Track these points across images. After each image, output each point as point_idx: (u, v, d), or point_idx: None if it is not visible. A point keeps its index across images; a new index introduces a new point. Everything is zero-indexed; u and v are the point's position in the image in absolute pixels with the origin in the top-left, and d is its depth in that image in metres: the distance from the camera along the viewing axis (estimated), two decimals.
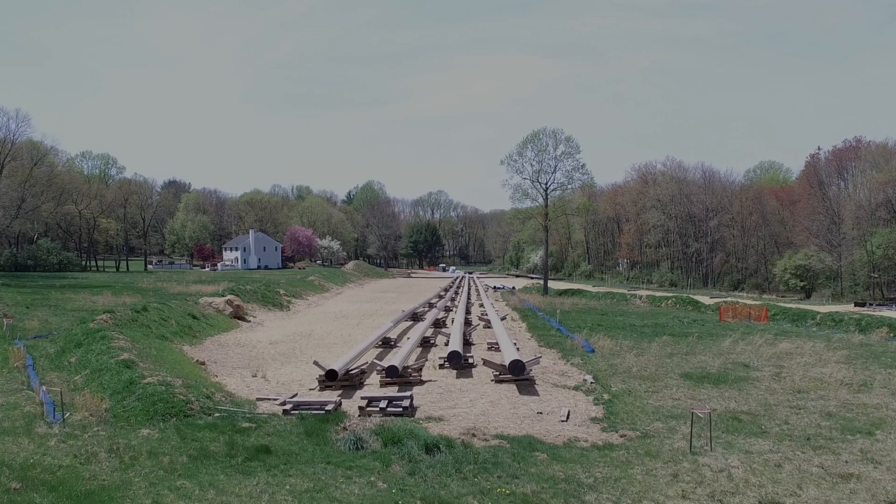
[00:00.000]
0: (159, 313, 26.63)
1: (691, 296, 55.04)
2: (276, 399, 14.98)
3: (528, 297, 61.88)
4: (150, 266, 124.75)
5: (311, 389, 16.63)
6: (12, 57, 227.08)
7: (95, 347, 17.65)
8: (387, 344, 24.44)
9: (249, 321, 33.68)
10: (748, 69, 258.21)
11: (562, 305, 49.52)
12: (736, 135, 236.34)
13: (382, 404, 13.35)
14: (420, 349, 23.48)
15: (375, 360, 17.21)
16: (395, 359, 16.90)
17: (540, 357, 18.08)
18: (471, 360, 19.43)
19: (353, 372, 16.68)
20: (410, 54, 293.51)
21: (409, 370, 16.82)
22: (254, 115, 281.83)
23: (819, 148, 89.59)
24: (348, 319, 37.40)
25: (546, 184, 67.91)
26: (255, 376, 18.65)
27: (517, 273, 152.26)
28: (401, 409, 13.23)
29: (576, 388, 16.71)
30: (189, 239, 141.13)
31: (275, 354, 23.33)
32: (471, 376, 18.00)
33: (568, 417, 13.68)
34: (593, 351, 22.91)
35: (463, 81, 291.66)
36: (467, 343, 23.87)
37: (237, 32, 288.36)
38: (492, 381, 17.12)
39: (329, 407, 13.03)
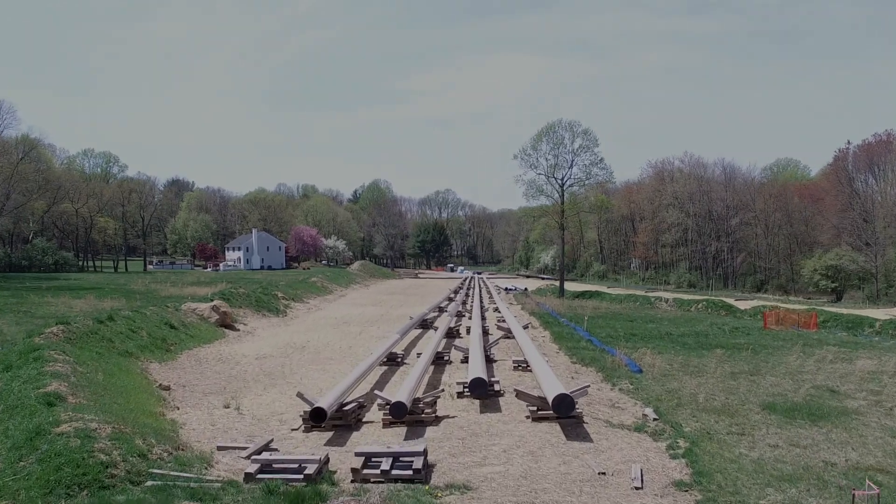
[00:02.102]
0: (128, 323, 22.94)
1: (723, 299, 50.96)
2: (242, 448, 11.22)
3: (543, 300, 58.06)
4: (150, 266, 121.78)
5: (293, 430, 12.87)
6: (18, 57, 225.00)
7: (24, 372, 13.94)
8: (393, 360, 20.65)
9: (238, 329, 29.97)
10: (752, 69, 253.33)
11: (582, 309, 45.67)
12: (742, 134, 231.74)
13: (385, 464, 9.55)
14: (432, 367, 19.68)
15: (377, 392, 13.45)
16: (401, 390, 13.11)
17: (587, 386, 14.22)
18: (496, 387, 15.61)
19: (348, 408, 12.90)
20: (418, 53, 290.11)
21: (421, 405, 13.02)
22: (259, 114, 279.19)
23: (848, 142, 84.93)
24: (350, 327, 33.68)
25: (562, 179, 64.06)
26: (227, 407, 14.91)
27: (527, 273, 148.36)
28: (411, 473, 9.44)
29: (637, 429, 12.85)
30: (191, 238, 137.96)
31: (259, 374, 19.58)
32: (499, 410, 14.17)
33: (643, 481, 9.83)
34: (640, 371, 19.03)
35: (470, 80, 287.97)
36: (488, 360, 20.04)
37: (244, 32, 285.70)
38: (527, 417, 13.30)
39: (310, 469, 9.24)
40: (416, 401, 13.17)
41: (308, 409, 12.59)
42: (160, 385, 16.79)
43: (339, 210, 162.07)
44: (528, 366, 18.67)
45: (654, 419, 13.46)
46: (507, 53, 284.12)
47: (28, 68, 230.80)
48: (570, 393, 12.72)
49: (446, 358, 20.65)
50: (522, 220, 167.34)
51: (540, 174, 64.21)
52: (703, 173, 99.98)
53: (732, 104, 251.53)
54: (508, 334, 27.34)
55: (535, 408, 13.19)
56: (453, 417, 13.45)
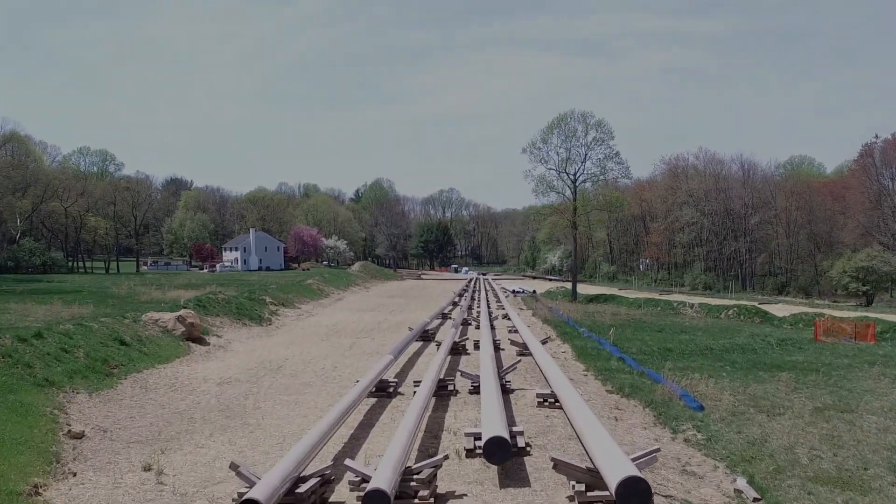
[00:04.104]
0: (63, 340, 18.81)
1: (756, 305, 46.57)
2: None
3: (555, 304, 53.85)
4: (144, 267, 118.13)
5: None
6: (22, 56, 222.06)
7: None
8: (383, 390, 16.43)
9: (208, 344, 25.81)
10: (757, 68, 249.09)
11: (600, 316, 41.51)
12: (749, 133, 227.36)
13: None
14: (434, 399, 15.48)
15: (349, 464, 9.20)
16: (387, 455, 8.90)
17: (657, 451, 9.90)
18: (519, 440, 11.39)
19: (305, 487, 8.68)
20: (422, 53, 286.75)
21: (413, 482, 8.82)
22: (262, 113, 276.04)
23: (876, 136, 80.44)
24: (341, 338, 29.54)
25: (574, 175, 59.73)
26: (147, 469, 10.74)
27: (534, 274, 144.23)
28: None
29: None
30: (187, 238, 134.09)
31: (213, 408, 15.41)
32: (526, 482, 9.94)
33: None
34: (702, 407, 14.77)
35: (475, 80, 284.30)
36: (504, 390, 15.82)
37: (249, 32, 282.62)
38: (569, 499, 9.08)
39: None
40: (406, 473, 8.95)
41: (247, 486, 8.41)
42: (70, 431, 12.63)
43: (340, 209, 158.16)
44: (557, 401, 14.49)
45: (756, 500, 9.21)
46: (514, 53, 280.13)
47: (28, 67, 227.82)
48: (639, 467, 8.48)
49: (451, 387, 16.41)
50: (528, 220, 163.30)
51: (551, 169, 60.03)
52: (720, 170, 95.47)
53: (738, 104, 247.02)
54: (524, 350, 23.15)
55: (582, 486, 8.94)
56: (461, 497, 9.23)
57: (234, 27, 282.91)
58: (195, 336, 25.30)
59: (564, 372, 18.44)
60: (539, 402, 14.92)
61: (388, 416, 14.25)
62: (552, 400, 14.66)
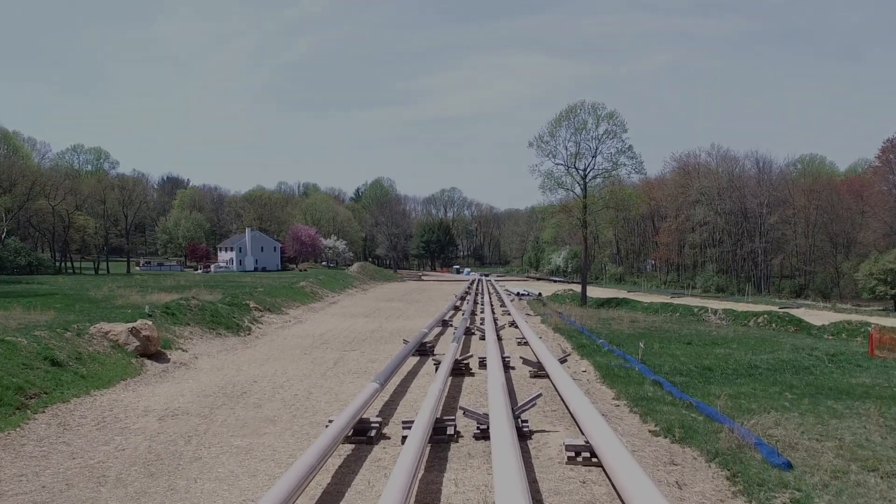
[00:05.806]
0: None
1: (788, 311, 42.72)
2: None
3: (564, 309, 50.23)
4: (137, 268, 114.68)
5: None
6: (27, 59, 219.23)
7: None
8: (363, 433, 12.69)
9: (168, 360, 22.10)
10: (759, 68, 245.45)
11: (617, 323, 37.75)
12: (753, 134, 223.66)
13: None
14: (429, 448, 11.78)
15: None
16: None
17: None
18: None
19: None
20: (425, 54, 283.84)
21: None
22: (262, 113, 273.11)
23: None
24: (327, 351, 25.87)
25: (584, 170, 55.96)
26: None
27: (538, 276, 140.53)
28: None
29: None
30: (182, 238, 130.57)
31: (137, 460, 11.70)
32: None
33: None
34: (789, 465, 10.98)
35: (478, 81, 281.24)
36: (521, 435, 12.13)
37: (249, 32, 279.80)
38: None
39: None
40: None
41: None
42: None
43: (339, 209, 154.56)
44: (594, 455, 10.76)
45: None
46: (517, 54, 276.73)
47: (29, 66, 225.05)
48: None
49: (450, 431, 12.66)
50: (532, 220, 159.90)
51: (559, 164, 56.30)
52: (734, 167, 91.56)
53: (741, 104, 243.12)
54: (539, 371, 19.49)
55: None
56: None
57: (235, 27, 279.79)
58: (152, 351, 21.61)
59: (586, 393, 14.77)
60: (571, 456, 11.13)
61: (364, 479, 10.48)
62: (589, 455, 10.91)
